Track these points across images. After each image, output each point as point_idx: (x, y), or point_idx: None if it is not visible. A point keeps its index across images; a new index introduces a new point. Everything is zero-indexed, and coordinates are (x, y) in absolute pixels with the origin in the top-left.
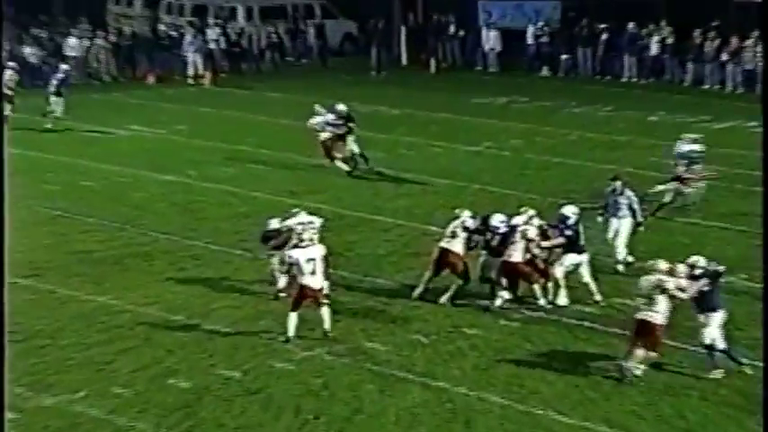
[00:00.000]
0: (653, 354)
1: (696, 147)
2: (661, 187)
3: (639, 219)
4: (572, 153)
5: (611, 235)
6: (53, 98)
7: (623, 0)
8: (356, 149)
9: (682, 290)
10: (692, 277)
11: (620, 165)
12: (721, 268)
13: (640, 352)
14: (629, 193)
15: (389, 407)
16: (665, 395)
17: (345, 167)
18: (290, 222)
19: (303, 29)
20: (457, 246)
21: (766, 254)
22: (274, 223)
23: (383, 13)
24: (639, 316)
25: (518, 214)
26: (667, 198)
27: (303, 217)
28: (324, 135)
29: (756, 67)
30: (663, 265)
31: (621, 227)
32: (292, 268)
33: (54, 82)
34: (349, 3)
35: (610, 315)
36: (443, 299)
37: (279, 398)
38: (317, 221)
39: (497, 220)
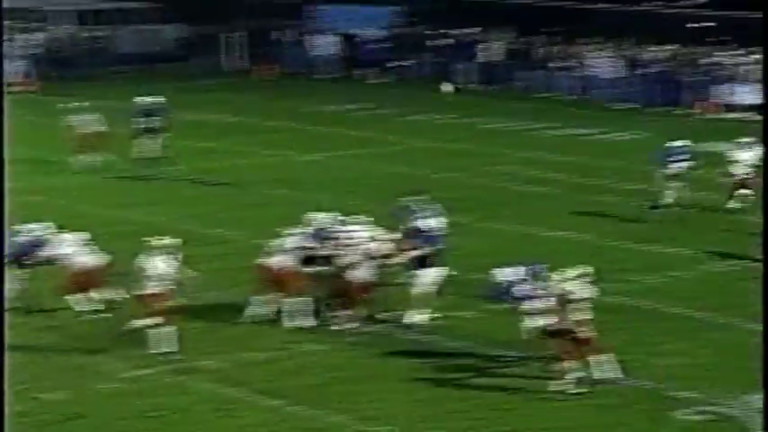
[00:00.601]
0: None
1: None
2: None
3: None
4: (410, 161)
5: None
6: None
7: (465, 6)
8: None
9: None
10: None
11: (462, 174)
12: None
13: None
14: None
15: (225, 427)
16: (503, 410)
17: (82, 165)
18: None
19: (127, 33)
20: (284, 262)
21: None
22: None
23: (219, 17)
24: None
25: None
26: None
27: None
28: (84, 130)
29: (599, 74)
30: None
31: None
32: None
33: None
34: (183, 7)
35: (450, 327)
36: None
37: (105, 422)
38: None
39: (352, 230)
